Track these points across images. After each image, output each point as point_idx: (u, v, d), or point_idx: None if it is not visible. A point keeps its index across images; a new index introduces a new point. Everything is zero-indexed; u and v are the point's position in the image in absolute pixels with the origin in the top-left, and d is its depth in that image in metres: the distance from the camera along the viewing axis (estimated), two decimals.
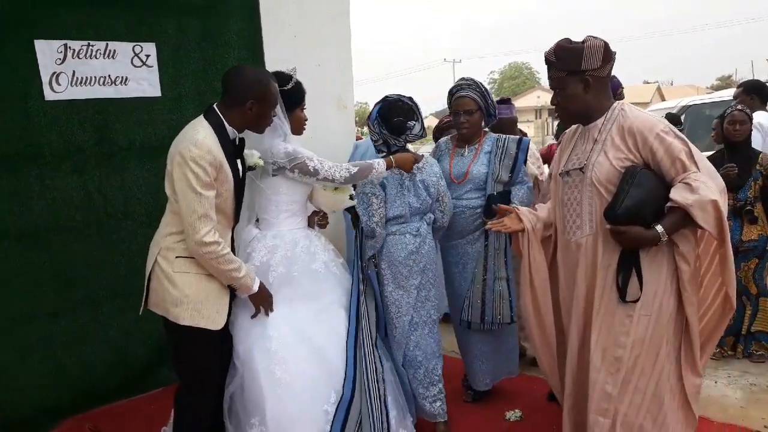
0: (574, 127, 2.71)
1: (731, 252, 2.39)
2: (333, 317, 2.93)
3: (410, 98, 3.24)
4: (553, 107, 2.66)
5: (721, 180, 2.35)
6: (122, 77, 3.54)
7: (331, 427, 2.68)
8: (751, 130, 4.19)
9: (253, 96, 2.53)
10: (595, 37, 2.44)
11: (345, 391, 2.77)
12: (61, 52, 3.32)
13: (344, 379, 2.79)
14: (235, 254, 2.73)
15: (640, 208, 2.31)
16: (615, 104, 2.51)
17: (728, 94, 6.77)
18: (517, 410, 3.50)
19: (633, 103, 2.67)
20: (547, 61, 2.53)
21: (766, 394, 3.66)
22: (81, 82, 3.41)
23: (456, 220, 3.42)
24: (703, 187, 2.24)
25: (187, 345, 2.56)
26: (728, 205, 3.95)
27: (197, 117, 2.56)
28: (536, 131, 31.18)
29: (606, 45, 2.42)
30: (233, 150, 2.58)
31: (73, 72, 3.38)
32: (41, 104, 3.32)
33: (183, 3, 3.66)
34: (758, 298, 4.14)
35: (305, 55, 3.88)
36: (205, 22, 3.74)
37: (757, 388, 3.73)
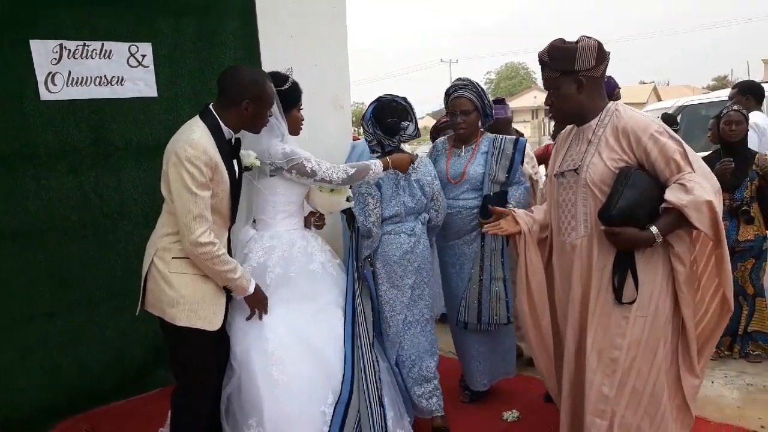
0: (569, 127, 2.70)
1: (727, 253, 2.39)
2: (330, 318, 2.93)
3: (404, 98, 3.24)
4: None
5: (716, 180, 2.34)
6: (118, 77, 3.53)
7: (330, 427, 2.68)
8: (748, 130, 4.20)
9: (249, 96, 2.53)
10: (589, 37, 2.43)
11: (343, 392, 2.77)
12: (57, 52, 3.31)
13: (342, 380, 2.79)
14: (231, 255, 2.73)
15: (634, 209, 2.31)
16: (609, 105, 2.50)
17: (724, 94, 6.78)
18: (514, 411, 3.50)
19: (629, 104, 2.67)
20: (541, 61, 2.52)
21: (762, 394, 3.67)
22: (77, 82, 3.40)
23: (453, 221, 3.42)
24: (697, 187, 2.24)
25: (184, 346, 2.56)
26: (725, 205, 3.99)
27: (193, 117, 2.55)
28: (533, 131, 31.19)
29: (599, 45, 2.41)
30: (229, 150, 2.57)
31: (69, 72, 3.37)
32: (37, 104, 3.31)
33: (179, 3, 3.65)
34: (755, 299, 4.14)
35: (302, 55, 3.87)
36: (202, 22, 3.73)
37: (753, 388, 3.74)
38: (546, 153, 4.66)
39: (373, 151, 3.29)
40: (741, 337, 4.18)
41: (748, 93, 5.02)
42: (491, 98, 3.65)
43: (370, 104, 3.27)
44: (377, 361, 2.98)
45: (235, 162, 2.63)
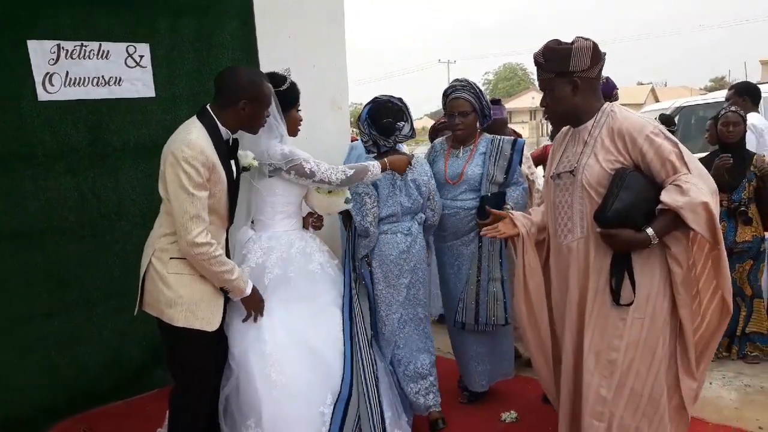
0: (565, 129, 2.69)
1: (725, 254, 2.38)
2: (329, 319, 2.93)
3: (400, 99, 3.25)
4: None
5: (713, 181, 2.33)
6: (116, 78, 3.52)
7: (330, 426, 2.68)
8: (746, 131, 4.21)
9: (246, 96, 2.53)
10: (585, 38, 2.41)
11: (342, 390, 2.77)
12: (54, 52, 3.30)
13: (342, 379, 2.80)
14: (229, 255, 2.72)
15: (630, 211, 2.30)
16: (605, 106, 2.49)
17: (722, 95, 6.79)
18: (512, 411, 3.50)
19: (627, 105, 2.67)
20: (536, 62, 2.51)
21: (760, 395, 3.67)
22: (74, 83, 3.40)
23: (451, 221, 3.42)
24: (693, 189, 2.22)
25: (182, 346, 2.56)
26: (722, 206, 4.00)
27: (191, 118, 2.55)
28: (531, 132, 31.23)
29: (595, 46, 2.39)
30: (226, 150, 2.57)
31: (67, 72, 3.36)
32: (34, 105, 3.30)
33: (178, 3, 3.64)
34: (753, 300, 4.15)
35: (300, 55, 3.86)
36: (200, 22, 3.72)
37: (751, 390, 3.74)
38: (544, 154, 4.66)
39: (368, 152, 3.30)
40: (739, 338, 4.18)
41: (744, 94, 5.02)
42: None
43: (366, 105, 3.28)
44: (375, 361, 2.98)
45: (232, 162, 2.63)
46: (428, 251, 3.51)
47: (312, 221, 3.17)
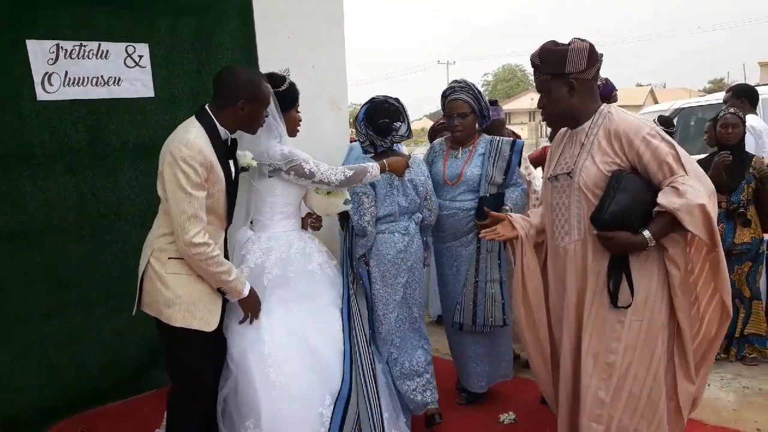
0: (563, 130, 2.67)
1: (723, 257, 2.36)
2: (329, 318, 2.93)
3: (396, 99, 3.26)
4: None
5: (711, 183, 2.32)
6: (115, 78, 3.52)
7: (330, 426, 2.68)
8: (745, 133, 4.21)
9: (244, 96, 2.53)
10: (581, 40, 2.40)
11: (342, 389, 2.77)
12: (53, 52, 3.30)
13: (342, 379, 2.80)
14: (228, 255, 2.72)
15: (627, 213, 2.29)
16: (602, 107, 2.47)
17: (720, 97, 6.80)
18: (510, 413, 3.50)
19: (626, 106, 2.66)
20: (533, 64, 2.50)
21: (758, 396, 3.67)
22: (73, 83, 3.39)
23: (450, 222, 3.43)
24: (690, 190, 2.21)
25: (180, 346, 2.56)
26: (721, 207, 4.00)
27: (189, 118, 2.55)
28: (530, 133, 31.27)
29: (591, 47, 2.38)
30: (225, 150, 2.57)
31: (66, 72, 3.36)
32: (33, 104, 3.30)
33: (177, 3, 3.64)
34: (751, 302, 4.15)
35: (300, 56, 3.86)
36: (199, 22, 3.72)
37: (749, 391, 3.75)
38: (543, 155, 4.66)
39: (365, 152, 3.31)
40: (737, 339, 4.19)
41: (742, 96, 5.03)
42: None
43: (363, 105, 3.29)
44: (374, 360, 2.98)
45: (231, 162, 2.63)
46: (427, 252, 3.52)
47: (311, 222, 3.17)
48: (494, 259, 3.41)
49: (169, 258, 2.49)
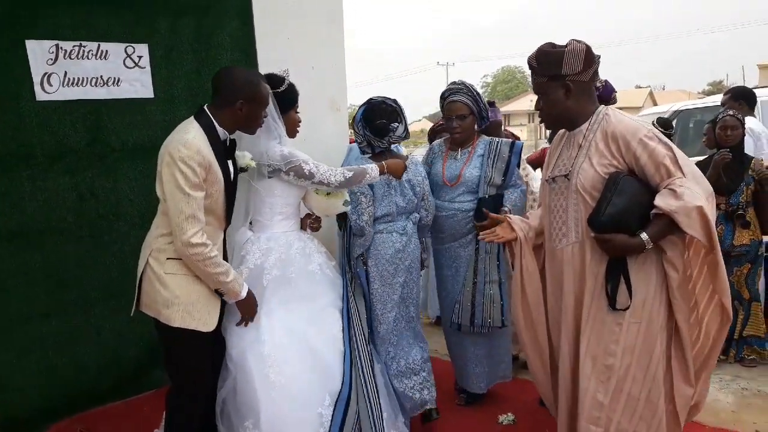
0: (561, 132, 2.66)
1: (722, 259, 2.34)
2: (329, 319, 2.93)
3: (394, 100, 3.27)
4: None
5: (708, 184, 2.31)
6: (114, 78, 3.52)
7: (330, 426, 2.68)
8: (744, 135, 4.22)
9: (243, 96, 2.53)
10: (578, 41, 2.39)
11: (343, 390, 2.77)
12: (53, 52, 3.30)
13: (342, 379, 2.80)
14: (226, 255, 2.72)
15: (624, 216, 2.28)
16: (599, 109, 2.46)
17: (719, 99, 6.82)
18: (509, 414, 3.51)
19: (625, 108, 2.65)
20: (530, 66, 2.49)
21: (757, 398, 3.68)
22: (73, 83, 3.39)
23: (448, 223, 3.43)
24: (687, 192, 2.20)
25: (178, 346, 2.55)
26: (720, 209, 4.00)
27: (188, 118, 2.55)
28: (529, 135, 31.31)
29: (587, 49, 2.37)
30: (224, 151, 2.57)
31: (65, 72, 3.36)
32: (33, 105, 3.30)
33: (176, 4, 3.64)
34: (750, 303, 4.16)
35: (299, 56, 3.87)
36: (199, 23, 3.72)
37: (748, 393, 3.75)
38: (542, 156, 4.67)
39: (363, 152, 3.32)
40: (736, 341, 4.19)
41: (740, 98, 5.04)
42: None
43: (361, 106, 3.31)
44: (372, 360, 2.99)
45: (230, 163, 2.63)
46: (426, 253, 3.52)
47: (310, 222, 3.17)
48: (493, 261, 3.41)
49: (167, 258, 2.49)
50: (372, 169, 2.98)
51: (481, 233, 2.87)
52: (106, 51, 3.46)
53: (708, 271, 2.43)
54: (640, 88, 50.51)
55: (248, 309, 2.68)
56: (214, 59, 3.77)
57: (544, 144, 13.22)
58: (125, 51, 3.52)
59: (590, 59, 2.38)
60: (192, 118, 2.52)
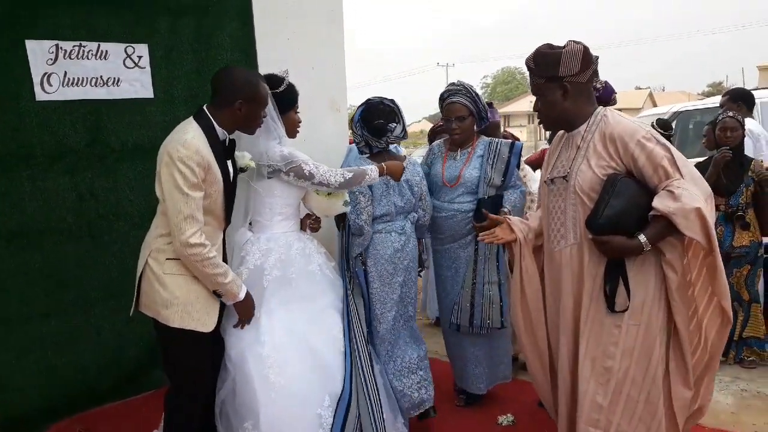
0: (560, 133, 2.65)
1: (720, 261, 2.32)
2: (329, 320, 2.93)
3: (392, 101, 3.28)
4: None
5: (707, 185, 2.30)
6: (114, 78, 3.52)
7: (332, 427, 2.68)
8: (744, 136, 4.22)
9: (242, 96, 2.53)
10: (576, 42, 2.38)
11: (344, 390, 2.77)
12: (53, 52, 3.30)
13: (342, 380, 2.80)
14: (226, 256, 2.72)
15: (622, 218, 2.27)
16: (598, 110, 2.45)
17: (719, 100, 6.83)
18: (509, 415, 3.51)
19: (625, 109, 2.64)
20: (528, 67, 2.48)
21: (756, 399, 3.68)
22: (73, 83, 3.39)
23: (448, 224, 3.43)
24: (686, 194, 2.19)
25: (177, 347, 2.55)
26: (720, 210, 4.00)
27: (187, 118, 2.55)
28: (529, 136, 31.31)
29: (585, 50, 2.36)
30: (223, 151, 2.57)
31: (65, 72, 3.36)
32: (32, 105, 3.30)
33: (176, 4, 3.64)
34: (750, 305, 4.16)
35: (299, 57, 3.87)
36: (199, 23, 3.72)
37: (748, 394, 3.75)
38: (542, 157, 4.67)
39: (361, 152, 3.32)
40: (736, 342, 4.19)
41: (739, 100, 5.04)
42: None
43: (359, 106, 3.32)
44: (372, 361, 2.99)
45: (229, 163, 2.62)
46: (426, 254, 3.52)
47: (309, 223, 3.17)
48: (492, 262, 3.41)
49: (166, 259, 2.49)
50: (372, 170, 2.99)
51: (480, 234, 2.86)
52: (106, 51, 3.46)
53: (707, 273, 2.41)
54: (640, 89, 50.54)
55: (246, 311, 2.68)
56: (214, 59, 3.77)
57: (543, 145, 13.21)
58: (125, 51, 3.52)
59: (588, 60, 2.37)
60: (191, 118, 2.52)
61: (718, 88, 43.52)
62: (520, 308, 2.75)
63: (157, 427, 2.89)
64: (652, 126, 4.02)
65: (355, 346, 2.91)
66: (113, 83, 3.52)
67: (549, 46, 2.43)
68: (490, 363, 3.59)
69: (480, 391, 3.61)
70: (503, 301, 3.39)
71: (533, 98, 2.60)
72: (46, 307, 3.47)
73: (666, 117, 7.15)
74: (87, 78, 3.43)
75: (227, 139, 2.60)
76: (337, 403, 2.73)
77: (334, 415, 2.70)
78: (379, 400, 2.91)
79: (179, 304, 2.47)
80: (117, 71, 3.52)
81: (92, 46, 3.42)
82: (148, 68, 3.61)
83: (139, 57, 3.57)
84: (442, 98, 3.49)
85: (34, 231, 3.40)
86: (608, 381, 2.41)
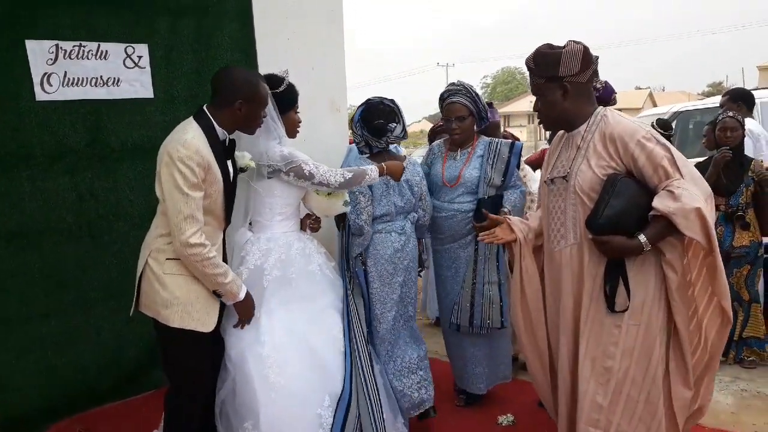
0: (560, 133, 2.64)
1: (720, 261, 2.32)
2: (329, 320, 2.93)
3: (392, 101, 3.28)
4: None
5: (707, 185, 2.30)
6: (114, 78, 3.52)
7: (332, 427, 2.68)
8: (744, 136, 4.22)
9: (242, 96, 2.53)
10: (576, 42, 2.38)
11: (344, 391, 2.77)
12: (53, 52, 3.30)
13: (342, 380, 2.80)
14: (226, 256, 2.72)
15: (622, 218, 2.27)
16: (598, 110, 2.44)
17: (719, 100, 6.83)
18: (509, 415, 3.51)
19: (625, 109, 2.64)
20: (528, 67, 2.47)
21: (756, 399, 3.68)
22: (73, 83, 3.39)
23: (448, 224, 3.43)
24: (685, 194, 2.18)
25: (177, 347, 2.55)
26: (720, 210, 4.00)
27: (187, 118, 2.55)
28: (529, 136, 31.31)
29: (585, 50, 2.35)
30: (223, 151, 2.56)
31: (65, 72, 3.36)
32: (32, 105, 3.30)
33: (176, 4, 3.64)
34: (750, 305, 4.16)
35: (299, 57, 3.87)
36: (199, 23, 3.72)
37: (747, 394, 3.75)
38: (542, 157, 4.67)
39: (361, 152, 3.32)
40: (736, 342, 4.19)
41: (739, 100, 5.04)
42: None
43: (359, 106, 3.32)
44: (372, 361, 2.99)
45: (229, 163, 2.62)
46: (426, 254, 3.52)
47: (309, 223, 3.17)
48: (492, 262, 3.41)
49: (166, 259, 2.49)
50: (372, 170, 2.99)
51: (480, 234, 2.85)
52: (106, 51, 3.46)
53: (707, 273, 2.41)
54: (640, 89, 50.57)
55: (246, 311, 2.68)
56: (214, 59, 3.77)
57: (543, 145, 13.21)
58: (125, 51, 3.52)
59: (588, 60, 2.37)
60: (191, 118, 2.52)
61: (718, 88, 43.51)
62: (520, 308, 2.75)
63: (157, 427, 2.89)
64: (652, 126, 4.02)
65: (355, 346, 2.91)
66: (113, 83, 3.52)
67: (549, 46, 2.42)
68: (490, 363, 3.59)
69: (480, 391, 3.61)
70: (503, 301, 3.39)
71: (533, 98, 2.60)
72: (45, 307, 3.47)
73: (666, 117, 7.14)
74: (87, 78, 3.43)
75: (227, 139, 2.60)
76: (337, 403, 2.73)
77: (334, 415, 2.70)
78: (379, 400, 2.91)
79: (179, 304, 2.47)
80: (117, 71, 3.52)
81: (92, 46, 3.41)
82: (148, 68, 3.61)
83: (139, 57, 3.57)
84: (442, 98, 3.49)
85: (34, 231, 3.40)
86: (608, 381, 2.41)
